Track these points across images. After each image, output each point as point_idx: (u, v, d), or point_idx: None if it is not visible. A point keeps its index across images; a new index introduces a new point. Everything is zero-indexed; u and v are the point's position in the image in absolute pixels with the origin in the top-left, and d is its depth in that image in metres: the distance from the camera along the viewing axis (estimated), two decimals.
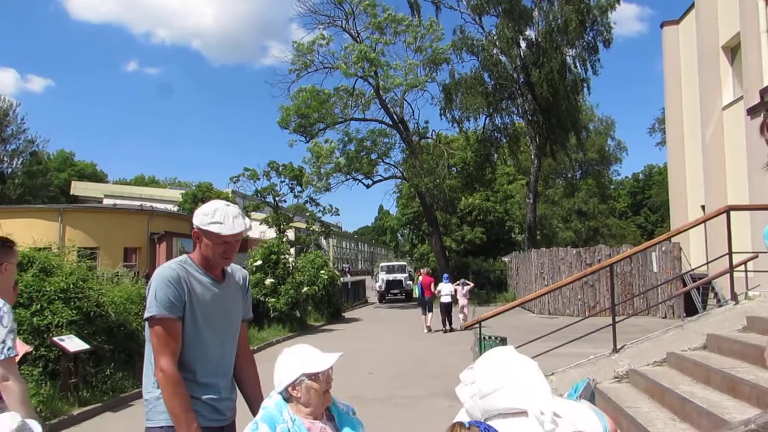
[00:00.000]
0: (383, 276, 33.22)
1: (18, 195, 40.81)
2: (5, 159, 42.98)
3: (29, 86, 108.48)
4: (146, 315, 2.24)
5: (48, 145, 51.80)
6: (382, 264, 39.49)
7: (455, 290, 16.95)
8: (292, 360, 2.15)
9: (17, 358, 2.39)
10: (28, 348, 5.62)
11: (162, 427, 2.23)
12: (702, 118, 15.94)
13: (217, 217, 2.29)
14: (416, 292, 19.38)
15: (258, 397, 2.45)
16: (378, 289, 33.26)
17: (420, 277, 18.37)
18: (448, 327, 16.38)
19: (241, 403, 2.54)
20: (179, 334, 2.25)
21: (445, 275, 17.99)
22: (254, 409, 2.41)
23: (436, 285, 17.58)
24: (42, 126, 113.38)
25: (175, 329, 2.23)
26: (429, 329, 16.54)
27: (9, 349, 2.33)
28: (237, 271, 2.55)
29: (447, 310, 16.60)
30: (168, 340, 2.21)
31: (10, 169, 43.31)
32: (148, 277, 15.60)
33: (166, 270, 2.29)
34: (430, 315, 16.86)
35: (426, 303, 17.02)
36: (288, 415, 2.08)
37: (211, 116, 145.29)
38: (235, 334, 2.49)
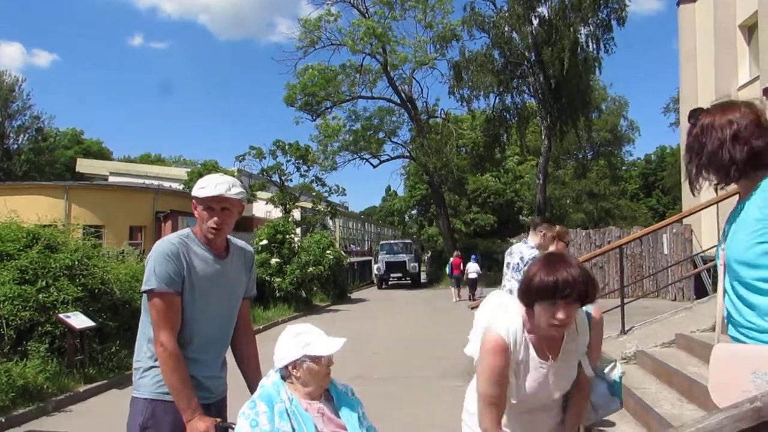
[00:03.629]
0: (383, 257, 29.07)
1: (24, 172, 40.51)
2: (11, 135, 42.64)
3: (35, 60, 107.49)
4: (145, 288, 2.21)
5: (53, 121, 51.60)
6: (383, 242, 34.59)
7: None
8: (296, 339, 2.12)
9: None
10: None
11: (146, 399, 2.21)
12: (717, 99, 15.60)
13: (201, 183, 2.29)
14: (447, 270, 23.17)
15: (257, 376, 2.41)
16: (377, 272, 29.13)
17: (452, 258, 22.35)
18: (472, 298, 18.39)
19: (239, 381, 2.49)
20: (179, 309, 2.21)
21: (473, 256, 21.48)
22: (252, 388, 2.37)
23: (464, 264, 21.02)
24: (49, 102, 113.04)
25: (174, 304, 2.20)
26: (458, 299, 19.96)
27: None
28: (242, 247, 2.51)
29: (473, 285, 19.92)
30: (168, 314, 2.18)
31: (16, 146, 43.02)
32: None
33: (165, 244, 2.24)
34: (458, 289, 20.84)
35: (456, 279, 21.09)
36: (285, 395, 2.06)
37: (217, 93, 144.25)
38: (234, 312, 2.44)
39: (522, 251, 4.89)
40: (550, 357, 1.93)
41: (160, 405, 2.18)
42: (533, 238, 5.00)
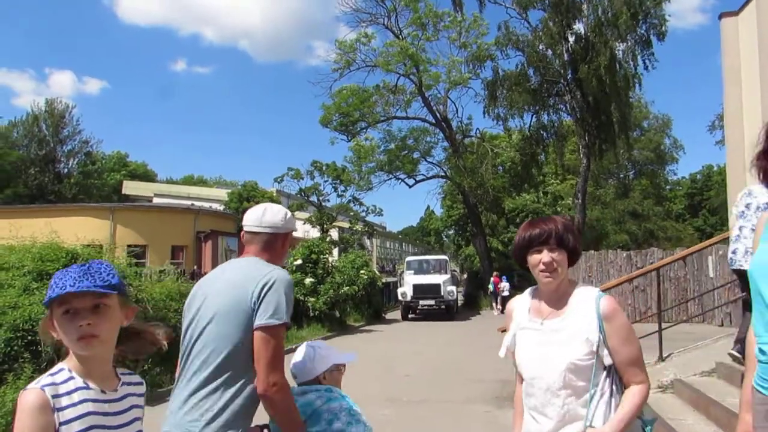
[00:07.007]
0: (410, 278, 22.59)
1: (73, 194, 42.26)
2: (62, 159, 44.73)
3: (86, 88, 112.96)
4: (277, 322, 2.00)
5: (102, 145, 53.76)
6: (409, 258, 26.54)
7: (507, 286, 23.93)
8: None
9: None
10: None
11: None
12: (763, 115, 15.02)
13: (293, 220, 2.42)
14: (490, 288, 25.76)
15: None
16: (401, 297, 22.20)
17: (492, 277, 25.55)
18: (502, 312, 20.50)
19: None
20: None
21: (504, 276, 24.69)
22: None
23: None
24: (98, 127, 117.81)
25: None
26: (499, 313, 22.75)
27: None
28: None
29: (504, 301, 22.33)
30: (282, 350, 2.04)
31: (66, 169, 45.02)
32: (193, 275, 15.72)
33: (288, 275, 2.16)
34: (497, 304, 24.36)
35: (496, 295, 24.65)
36: None
37: (257, 115, 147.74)
38: None
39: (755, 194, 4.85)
40: (545, 318, 2.08)
41: None
42: None
